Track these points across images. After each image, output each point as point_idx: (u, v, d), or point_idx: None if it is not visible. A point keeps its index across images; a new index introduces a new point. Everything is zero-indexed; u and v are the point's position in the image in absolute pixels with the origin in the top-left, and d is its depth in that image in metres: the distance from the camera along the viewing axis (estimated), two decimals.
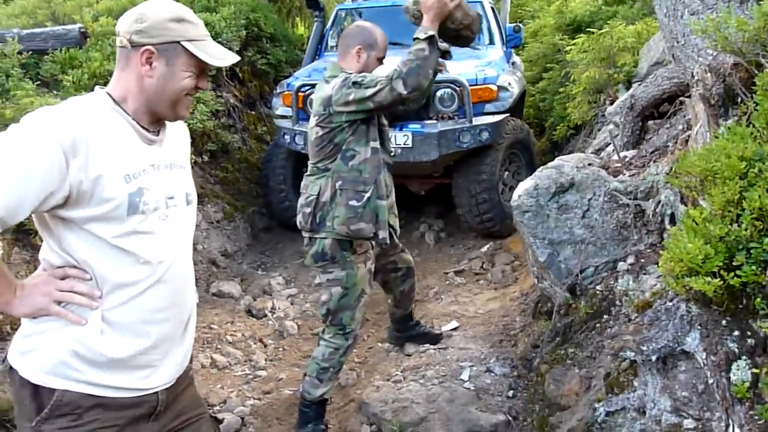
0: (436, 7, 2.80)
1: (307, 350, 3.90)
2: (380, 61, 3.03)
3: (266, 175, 5.84)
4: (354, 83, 2.80)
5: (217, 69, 6.34)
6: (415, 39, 2.83)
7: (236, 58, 1.67)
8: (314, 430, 3.04)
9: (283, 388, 3.57)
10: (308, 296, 4.76)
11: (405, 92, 2.75)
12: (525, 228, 3.17)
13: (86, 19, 5.63)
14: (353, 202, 2.88)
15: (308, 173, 3.03)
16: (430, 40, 2.78)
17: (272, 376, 3.70)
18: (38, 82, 4.50)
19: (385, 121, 3.09)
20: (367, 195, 2.89)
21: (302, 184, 3.06)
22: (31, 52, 4.76)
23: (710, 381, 2.00)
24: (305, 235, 3.01)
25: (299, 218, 3.01)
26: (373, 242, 3.02)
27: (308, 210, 2.95)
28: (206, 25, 6.07)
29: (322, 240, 2.94)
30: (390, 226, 3.07)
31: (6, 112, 3.77)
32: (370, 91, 2.77)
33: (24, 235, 3.70)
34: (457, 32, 2.98)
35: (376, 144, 2.94)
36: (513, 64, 6.36)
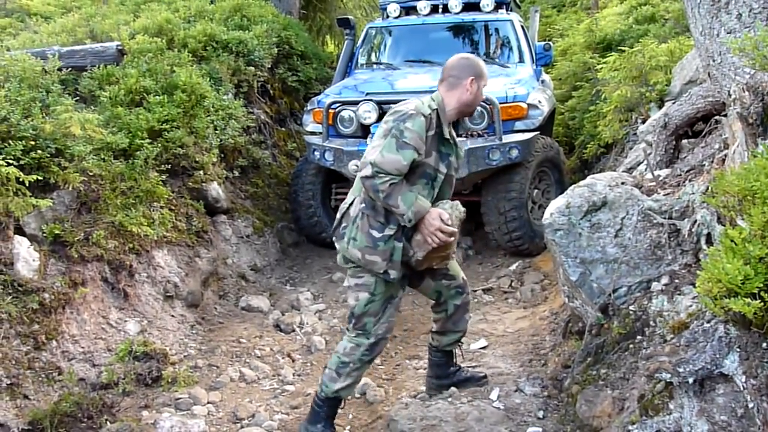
0: (426, 235, 2.80)
1: None
2: (481, 91, 2.99)
3: (295, 190, 5.90)
4: (394, 137, 2.71)
5: (249, 86, 6.45)
6: (413, 210, 2.74)
7: None
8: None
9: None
10: (336, 311, 4.76)
11: (364, 177, 2.73)
12: (557, 246, 3.15)
13: (123, 36, 5.77)
14: (375, 233, 2.84)
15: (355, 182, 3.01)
16: (403, 218, 2.76)
17: (300, 391, 3.70)
18: (77, 98, 4.60)
19: (443, 170, 2.92)
20: (390, 232, 2.83)
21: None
22: (70, 69, 4.88)
23: (750, 405, 1.95)
24: (337, 246, 2.99)
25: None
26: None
27: (339, 215, 2.97)
28: (239, 43, 6.19)
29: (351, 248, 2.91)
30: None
31: (46, 127, 3.87)
32: (376, 142, 2.74)
33: (60, 247, 3.78)
34: (425, 257, 2.91)
35: (422, 190, 2.85)
36: (543, 82, 6.35)
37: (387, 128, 2.76)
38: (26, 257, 3.53)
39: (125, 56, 5.36)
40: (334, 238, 3.00)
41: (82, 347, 3.63)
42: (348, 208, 2.93)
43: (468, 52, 6.32)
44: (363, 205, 2.87)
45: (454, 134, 2.99)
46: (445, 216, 2.80)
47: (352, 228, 2.88)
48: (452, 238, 2.83)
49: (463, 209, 2.96)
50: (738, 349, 2.02)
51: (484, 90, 2.99)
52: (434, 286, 3.18)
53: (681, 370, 2.14)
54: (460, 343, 3.38)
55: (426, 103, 2.84)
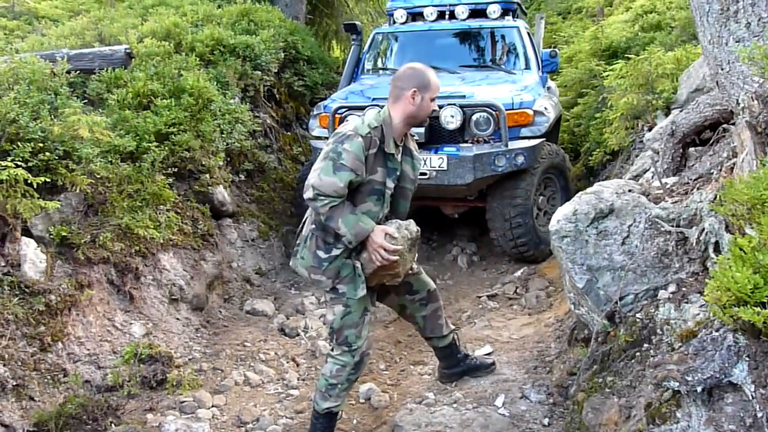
0: (370, 252, 2.84)
1: None
2: (433, 101, 2.95)
3: (301, 195, 5.89)
4: (335, 150, 2.73)
5: (255, 90, 6.47)
6: (361, 227, 2.79)
7: None
8: None
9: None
10: None
11: (307, 199, 2.76)
12: (563, 253, 3.14)
13: (132, 40, 5.79)
14: (321, 253, 2.89)
15: None
16: (347, 237, 2.80)
17: (304, 396, 3.70)
18: (85, 101, 4.62)
19: (390, 185, 2.96)
20: (336, 253, 2.88)
21: None
22: (78, 72, 4.90)
23: (759, 414, 1.94)
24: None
25: None
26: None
27: (296, 233, 3.07)
28: (246, 47, 6.20)
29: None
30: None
31: (54, 129, 3.89)
32: (316, 164, 2.75)
33: (67, 249, 3.79)
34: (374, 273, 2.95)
35: (368, 209, 2.87)
36: (548, 89, 6.35)
37: (326, 150, 2.78)
38: (33, 259, 3.54)
39: (133, 59, 5.38)
40: (291, 257, 3.07)
41: (88, 349, 3.64)
42: (302, 227, 3.00)
43: (474, 58, 6.41)
44: (313, 226, 2.92)
45: (410, 147, 3.01)
46: (392, 232, 2.85)
47: (303, 247, 2.95)
48: (395, 257, 2.85)
49: (416, 229, 2.99)
50: (747, 358, 2.01)
51: (432, 102, 2.93)
52: (398, 300, 3.30)
53: (689, 378, 2.13)
54: (456, 334, 3.53)
55: (366, 122, 2.84)
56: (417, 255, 3.11)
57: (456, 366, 3.54)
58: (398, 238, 2.87)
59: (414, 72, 2.95)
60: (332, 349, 3.05)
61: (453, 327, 3.53)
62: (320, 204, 2.73)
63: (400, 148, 2.97)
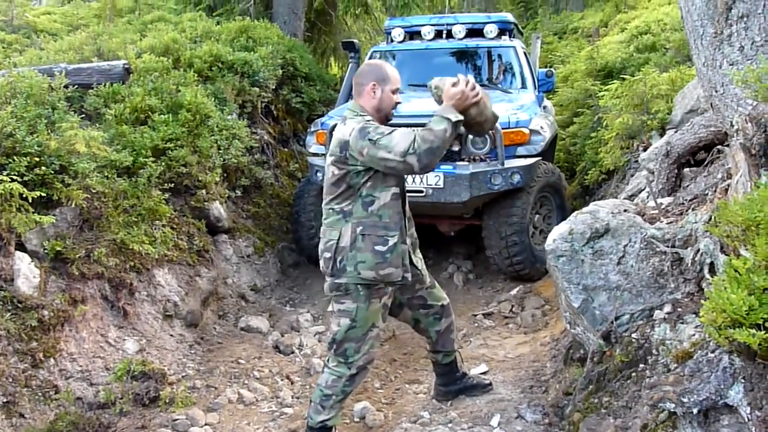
0: (457, 99, 2.91)
1: None
2: (394, 92, 3.04)
3: (297, 211, 5.90)
4: (370, 139, 2.80)
5: (253, 106, 6.49)
6: (438, 117, 2.86)
7: None
8: None
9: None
10: None
11: (417, 168, 2.80)
12: (559, 273, 3.14)
13: (130, 55, 5.82)
14: (379, 248, 2.90)
15: (324, 217, 3.02)
16: (456, 124, 2.85)
17: (299, 414, 3.67)
18: (82, 115, 4.63)
19: None
20: (393, 240, 2.92)
21: (321, 229, 3.05)
22: (76, 86, 4.91)
23: None
24: (328, 279, 3.00)
25: (321, 263, 3.01)
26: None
27: (328, 255, 2.94)
28: (244, 64, 6.24)
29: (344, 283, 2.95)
30: (413, 264, 3.10)
31: (51, 144, 3.89)
32: (382, 154, 2.79)
33: (61, 264, 3.77)
34: (467, 125, 3.06)
35: (396, 189, 2.95)
36: (545, 108, 6.39)
37: (362, 149, 2.80)
38: (27, 274, 3.53)
39: (131, 75, 5.40)
40: (330, 279, 2.98)
41: (80, 366, 3.61)
42: (337, 243, 2.92)
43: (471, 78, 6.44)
44: (360, 227, 2.90)
45: None
46: (453, 80, 2.96)
47: (354, 254, 2.90)
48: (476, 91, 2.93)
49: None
50: (743, 380, 2.01)
51: (394, 95, 3.03)
52: (411, 314, 3.31)
53: (685, 400, 2.13)
54: (458, 352, 3.53)
55: (357, 114, 2.95)
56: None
57: (453, 384, 3.53)
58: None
59: (371, 67, 3.10)
60: (329, 360, 3.07)
61: (457, 347, 3.53)
62: (414, 155, 2.74)
63: None
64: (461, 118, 2.88)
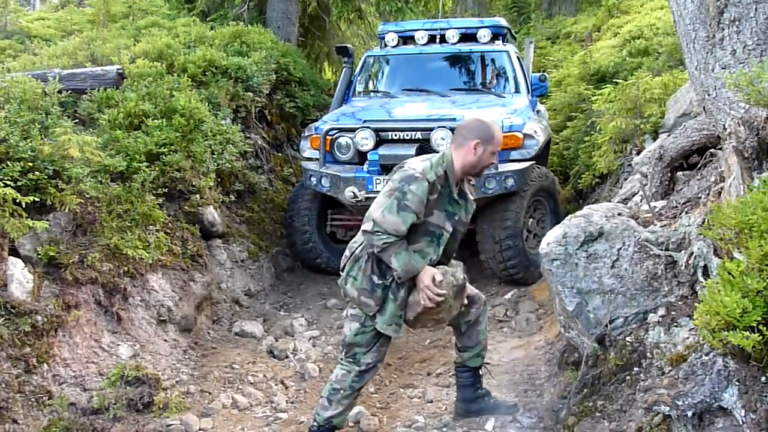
0: (419, 290, 2.91)
1: None
2: (493, 155, 3.00)
3: (291, 216, 5.90)
4: (397, 198, 2.80)
5: (247, 111, 6.48)
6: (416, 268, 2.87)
7: None
8: None
9: (304, 431, 3.53)
10: (330, 338, 4.73)
11: (369, 241, 2.86)
12: (553, 276, 3.15)
13: (124, 60, 5.80)
14: (375, 278, 2.94)
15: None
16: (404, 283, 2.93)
17: (293, 419, 3.66)
18: (76, 120, 4.61)
19: (449, 228, 3.01)
20: (386, 282, 2.94)
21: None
22: (70, 92, 4.89)
23: None
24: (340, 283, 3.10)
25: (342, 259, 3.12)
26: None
27: (348, 253, 3.06)
28: (238, 68, 6.21)
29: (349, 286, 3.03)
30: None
31: (44, 149, 3.87)
32: (379, 207, 2.84)
33: (54, 269, 3.75)
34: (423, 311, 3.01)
35: (421, 249, 2.93)
36: (538, 112, 6.41)
37: (392, 188, 2.85)
38: (20, 279, 3.51)
39: (125, 80, 5.38)
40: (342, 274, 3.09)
41: (74, 371, 3.59)
42: (357, 247, 3.02)
43: (465, 82, 6.48)
44: (371, 249, 2.93)
45: (465, 191, 3.09)
46: (438, 277, 2.90)
47: (355, 266, 2.99)
48: (440, 299, 2.89)
49: (462, 276, 3.03)
50: (737, 383, 2.02)
51: (492, 156, 2.99)
52: None
53: (680, 403, 2.14)
54: (486, 365, 3.42)
55: (434, 168, 2.91)
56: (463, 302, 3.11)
57: (474, 402, 3.35)
58: (444, 283, 2.91)
59: (480, 124, 3.01)
60: (341, 357, 3.14)
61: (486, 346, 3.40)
62: (377, 239, 2.81)
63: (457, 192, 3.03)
64: (398, 279, 2.91)
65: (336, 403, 3.06)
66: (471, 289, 3.29)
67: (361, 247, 3.00)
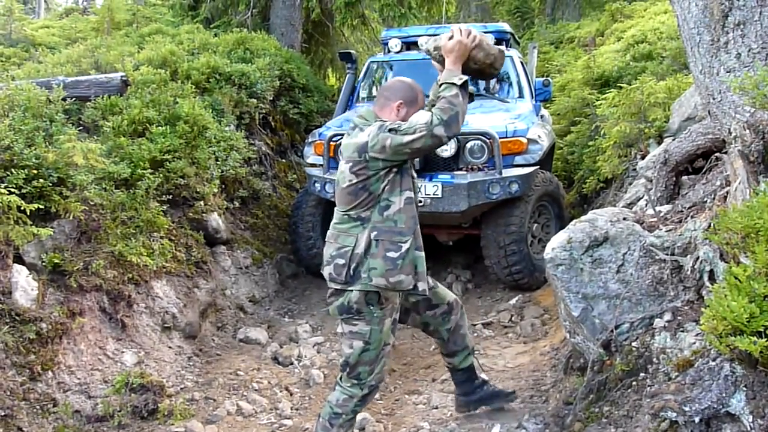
0: (456, 50, 2.89)
1: None
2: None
3: (295, 222, 5.90)
4: (390, 129, 2.78)
5: (251, 118, 6.50)
6: (445, 84, 2.84)
7: None
8: None
9: None
10: (335, 345, 4.72)
11: (446, 136, 2.77)
12: (558, 281, 3.14)
13: (128, 68, 5.83)
14: (391, 254, 2.81)
15: (337, 222, 2.93)
16: (464, 86, 2.82)
17: (298, 426, 3.65)
18: (80, 128, 4.64)
19: (414, 172, 3.05)
20: (406, 246, 2.83)
21: (330, 233, 2.96)
22: (74, 99, 4.91)
23: None
24: (334, 286, 2.91)
25: (329, 270, 2.88)
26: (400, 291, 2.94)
27: (342, 261, 2.84)
28: (242, 75, 6.23)
29: (351, 292, 2.85)
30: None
31: (49, 156, 3.88)
32: (407, 138, 2.75)
33: (59, 276, 3.76)
34: (479, 70, 3.06)
35: (410, 193, 2.90)
36: (542, 117, 6.41)
37: (384, 135, 2.78)
38: (25, 286, 3.51)
39: (129, 87, 5.40)
40: (340, 286, 2.88)
41: (78, 378, 3.59)
42: (353, 250, 2.84)
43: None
44: (375, 232, 2.82)
45: None
46: (448, 34, 2.93)
47: (368, 261, 2.82)
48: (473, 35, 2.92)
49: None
50: (744, 388, 2.00)
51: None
52: (420, 318, 3.24)
53: (687, 408, 2.12)
54: (475, 357, 3.41)
55: (366, 123, 2.90)
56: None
57: (473, 393, 3.39)
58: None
59: (403, 85, 3.01)
60: (341, 378, 2.98)
61: (473, 346, 3.41)
62: (446, 124, 2.73)
63: None
64: (465, 78, 2.86)
65: (338, 426, 2.94)
66: (449, 295, 3.29)
67: (359, 244, 2.83)
